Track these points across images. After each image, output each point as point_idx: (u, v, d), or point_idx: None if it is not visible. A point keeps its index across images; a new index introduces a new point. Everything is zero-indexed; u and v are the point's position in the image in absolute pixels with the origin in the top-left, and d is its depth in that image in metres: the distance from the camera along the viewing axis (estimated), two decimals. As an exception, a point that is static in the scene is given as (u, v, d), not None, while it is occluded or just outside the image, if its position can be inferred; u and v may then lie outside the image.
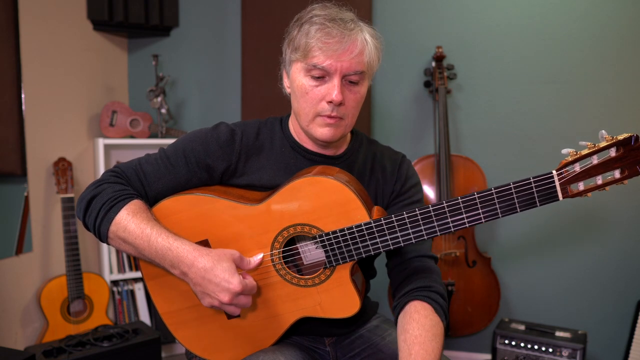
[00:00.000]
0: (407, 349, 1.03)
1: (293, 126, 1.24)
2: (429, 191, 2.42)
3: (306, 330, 1.24)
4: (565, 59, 2.41)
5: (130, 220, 1.06)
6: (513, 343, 2.19)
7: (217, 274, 1.01)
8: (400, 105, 2.62)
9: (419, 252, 1.19)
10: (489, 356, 2.56)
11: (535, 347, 2.15)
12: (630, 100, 2.36)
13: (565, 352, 2.10)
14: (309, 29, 1.09)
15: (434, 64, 2.46)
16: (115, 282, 2.64)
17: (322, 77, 1.10)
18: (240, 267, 1.07)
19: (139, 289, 2.66)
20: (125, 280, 2.67)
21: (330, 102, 1.10)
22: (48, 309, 2.35)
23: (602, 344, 2.45)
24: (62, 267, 2.45)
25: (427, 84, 2.50)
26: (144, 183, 1.15)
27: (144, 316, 2.65)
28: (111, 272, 2.59)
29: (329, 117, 1.12)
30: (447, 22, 2.53)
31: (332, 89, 1.09)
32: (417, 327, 1.05)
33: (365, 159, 1.26)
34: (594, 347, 2.44)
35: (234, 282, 1.00)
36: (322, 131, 1.14)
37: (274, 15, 2.57)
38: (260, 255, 1.11)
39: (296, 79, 1.14)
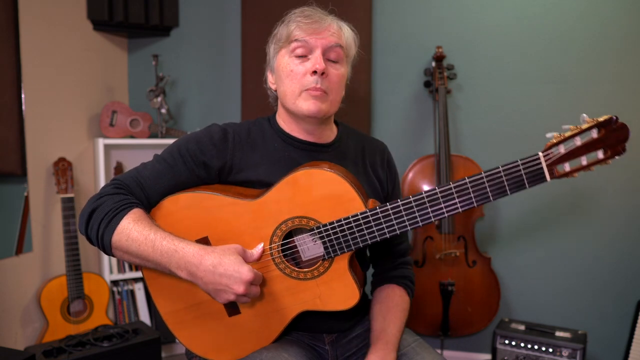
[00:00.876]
0: (382, 314, 1.26)
1: (282, 119, 1.28)
2: (429, 191, 2.42)
3: (305, 326, 1.25)
4: (565, 59, 2.42)
5: (132, 228, 1.07)
6: (513, 343, 2.19)
7: (227, 267, 1.03)
8: (400, 105, 2.62)
9: (402, 250, 1.38)
10: (489, 356, 2.56)
11: (535, 347, 2.15)
12: (630, 100, 2.36)
13: (565, 352, 2.10)
14: (289, 18, 1.22)
15: (434, 64, 2.46)
16: (115, 282, 2.64)
17: (304, 55, 1.18)
18: (244, 259, 1.08)
19: (139, 289, 2.66)
20: (125, 280, 2.67)
21: (314, 72, 1.16)
22: (48, 309, 2.35)
23: (602, 344, 2.45)
24: (62, 267, 2.45)
25: (427, 84, 2.50)
26: (144, 186, 1.15)
27: (144, 316, 2.65)
28: (111, 272, 2.59)
29: (315, 89, 1.16)
30: (447, 22, 2.53)
31: (315, 60, 1.16)
32: (392, 301, 1.29)
33: (355, 148, 1.32)
34: (594, 347, 2.44)
35: (244, 271, 1.03)
36: (308, 104, 1.17)
37: (274, 15, 2.53)
38: (260, 245, 1.12)
39: (281, 64, 1.21)
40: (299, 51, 1.18)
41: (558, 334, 2.19)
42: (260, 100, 2.61)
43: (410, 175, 2.43)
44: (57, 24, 2.49)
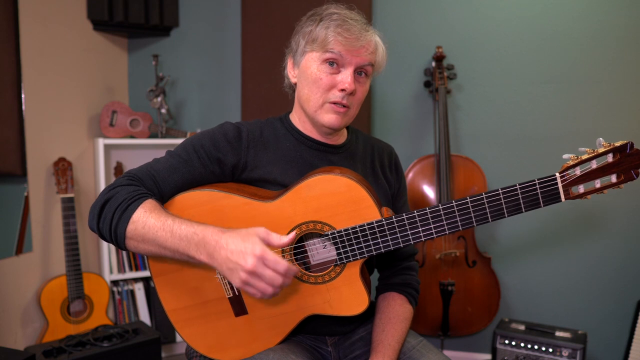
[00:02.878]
0: (381, 326, 1.24)
1: (298, 117, 1.28)
2: (429, 191, 2.42)
3: (310, 329, 1.25)
4: (566, 58, 2.42)
5: (148, 216, 1.04)
6: (513, 343, 2.19)
7: (238, 243, 0.96)
8: (400, 105, 2.62)
9: (407, 253, 1.35)
10: (489, 356, 2.56)
11: (535, 347, 2.15)
12: (630, 100, 2.36)
13: (565, 352, 2.10)
14: (329, 23, 1.16)
15: (434, 64, 2.46)
16: (115, 282, 2.64)
17: (335, 66, 1.17)
18: (268, 243, 1.00)
19: (139, 289, 2.66)
20: (125, 280, 2.67)
21: (343, 90, 1.16)
22: (48, 309, 2.35)
23: (602, 344, 2.45)
24: (62, 267, 2.45)
25: (427, 84, 2.50)
26: (157, 180, 1.13)
27: (144, 316, 2.65)
28: (111, 272, 2.59)
29: (339, 104, 1.17)
30: (447, 22, 2.53)
31: (347, 77, 1.16)
32: (392, 311, 1.27)
33: (364, 150, 1.33)
34: (594, 347, 2.44)
35: (252, 245, 0.95)
36: (330, 117, 1.19)
37: (274, 15, 2.57)
38: (292, 233, 1.07)
39: (310, 67, 1.19)
40: (331, 61, 1.16)
41: (558, 334, 2.19)
42: (260, 100, 2.61)
43: (411, 175, 2.43)
44: (57, 24, 2.49)
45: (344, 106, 1.18)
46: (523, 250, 2.54)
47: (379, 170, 1.32)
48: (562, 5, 2.40)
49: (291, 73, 1.27)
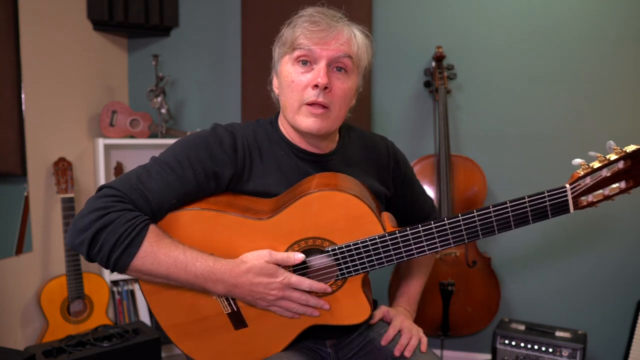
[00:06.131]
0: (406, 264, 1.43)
1: (283, 126, 1.22)
2: (429, 191, 2.42)
3: (309, 334, 1.24)
4: (566, 58, 2.41)
5: (157, 251, 1.00)
6: (513, 343, 2.19)
7: (262, 279, 1.05)
8: (400, 105, 2.62)
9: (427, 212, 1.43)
10: (489, 356, 2.56)
11: (535, 347, 2.15)
12: (631, 100, 2.36)
13: (565, 352, 2.10)
14: (297, 21, 1.12)
15: (434, 64, 2.46)
16: (115, 282, 2.64)
17: (308, 64, 1.11)
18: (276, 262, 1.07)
19: (139, 289, 2.66)
20: (125, 280, 2.67)
21: (316, 86, 1.08)
22: (48, 309, 2.35)
23: (602, 344, 2.45)
24: (62, 267, 2.44)
25: (427, 84, 2.50)
26: (152, 203, 1.04)
27: (144, 316, 2.65)
28: (111, 272, 2.59)
29: (316, 105, 1.09)
30: (447, 22, 2.53)
31: (318, 73, 1.08)
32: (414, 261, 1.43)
33: (359, 151, 1.28)
34: (594, 347, 2.44)
35: (274, 270, 1.05)
36: (308, 122, 1.11)
37: (274, 15, 2.57)
38: (301, 255, 1.08)
39: (284, 70, 1.14)
40: (303, 60, 1.10)
41: (558, 334, 2.18)
42: (260, 100, 2.61)
43: (410, 175, 2.43)
44: (57, 24, 2.49)
45: (323, 107, 1.10)
46: (523, 250, 2.54)
47: (374, 172, 1.28)
48: (563, 5, 2.39)
49: (275, 85, 1.21)
